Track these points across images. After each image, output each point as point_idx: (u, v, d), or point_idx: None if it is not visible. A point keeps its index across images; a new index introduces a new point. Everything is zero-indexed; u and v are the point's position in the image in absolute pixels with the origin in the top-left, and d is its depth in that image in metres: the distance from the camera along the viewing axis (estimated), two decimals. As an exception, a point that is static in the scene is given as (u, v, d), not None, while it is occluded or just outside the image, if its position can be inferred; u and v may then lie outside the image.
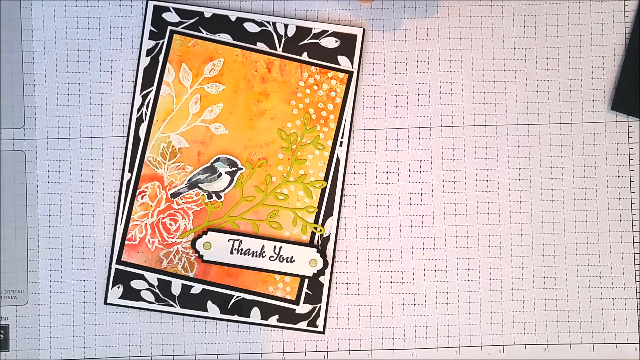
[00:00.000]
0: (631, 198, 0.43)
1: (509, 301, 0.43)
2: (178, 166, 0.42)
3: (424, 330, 0.42)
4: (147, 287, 0.42)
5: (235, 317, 0.42)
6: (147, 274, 0.42)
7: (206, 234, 0.42)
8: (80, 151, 0.43)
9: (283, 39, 0.42)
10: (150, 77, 0.42)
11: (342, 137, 0.42)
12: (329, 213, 0.42)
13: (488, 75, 0.43)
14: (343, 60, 0.42)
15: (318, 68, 0.42)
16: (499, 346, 0.42)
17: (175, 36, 0.42)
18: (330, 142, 0.42)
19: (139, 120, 0.42)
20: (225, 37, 0.42)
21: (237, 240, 0.42)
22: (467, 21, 0.43)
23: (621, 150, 0.43)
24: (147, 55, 0.42)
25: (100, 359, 0.42)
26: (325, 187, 0.42)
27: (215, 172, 0.42)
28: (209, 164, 0.42)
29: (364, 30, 0.42)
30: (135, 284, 0.42)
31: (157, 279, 0.42)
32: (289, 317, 0.42)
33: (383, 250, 0.43)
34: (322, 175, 0.42)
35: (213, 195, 0.42)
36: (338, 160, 0.42)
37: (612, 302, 0.43)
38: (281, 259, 0.42)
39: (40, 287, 0.42)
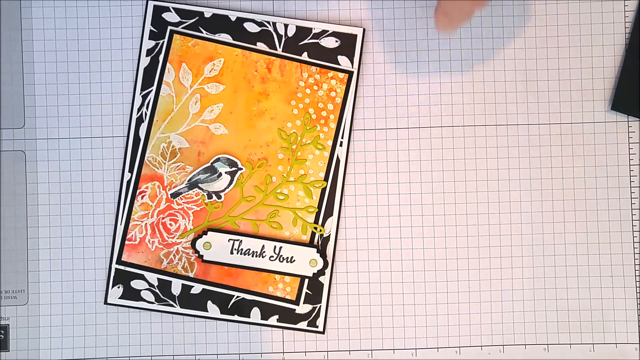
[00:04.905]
0: (631, 198, 0.43)
1: (509, 301, 0.43)
2: (178, 166, 0.42)
3: (424, 330, 0.42)
4: (147, 287, 0.42)
5: (235, 317, 0.42)
6: (147, 274, 0.42)
7: (206, 234, 0.42)
8: (80, 151, 0.43)
9: (283, 39, 0.42)
10: (150, 77, 0.42)
11: (342, 137, 0.42)
12: (329, 213, 0.42)
13: (488, 75, 0.43)
14: (343, 60, 0.42)
15: (318, 68, 0.42)
16: (499, 346, 0.42)
17: (175, 36, 0.42)
18: (330, 142, 0.42)
19: (139, 120, 0.42)
20: (225, 37, 0.42)
21: (237, 240, 0.42)
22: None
23: (621, 150, 0.43)
24: (147, 55, 0.42)
25: (100, 359, 0.42)
26: (325, 187, 0.42)
27: (215, 172, 0.42)
28: (209, 164, 0.42)
29: (364, 30, 0.42)
30: (135, 284, 0.42)
31: (157, 279, 0.42)
32: (289, 317, 0.42)
33: (383, 250, 0.43)
34: (322, 175, 0.42)
35: (213, 195, 0.42)
36: (338, 160, 0.42)
37: (612, 302, 0.43)
38: (281, 259, 0.42)
39: (40, 287, 0.42)
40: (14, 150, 0.43)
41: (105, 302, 0.42)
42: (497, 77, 0.43)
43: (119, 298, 0.42)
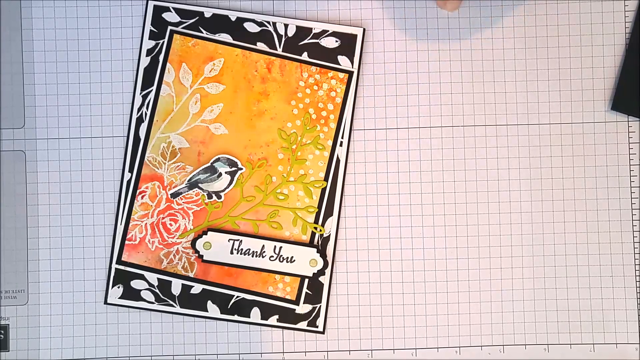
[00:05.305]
0: (631, 198, 0.43)
1: (509, 301, 0.42)
2: (178, 166, 0.42)
3: (424, 330, 0.42)
4: (147, 287, 0.42)
5: (235, 317, 0.42)
6: (147, 274, 0.42)
7: (206, 234, 0.42)
8: (80, 151, 0.43)
9: (283, 39, 0.42)
10: (150, 77, 0.42)
11: (342, 137, 0.42)
12: (329, 213, 0.42)
13: (488, 75, 0.43)
14: (343, 60, 0.42)
15: (318, 68, 0.42)
16: (499, 346, 0.42)
17: (175, 36, 0.42)
18: (330, 142, 0.42)
19: (139, 120, 0.42)
20: (225, 37, 0.42)
21: (237, 240, 0.42)
22: (467, 22, 0.43)
23: (621, 150, 0.43)
24: (147, 55, 0.42)
25: (100, 359, 0.42)
26: (325, 187, 0.42)
27: (215, 172, 0.42)
28: (209, 164, 0.42)
29: (364, 30, 0.42)
30: (135, 284, 0.42)
31: (157, 279, 0.42)
32: (289, 317, 0.42)
33: (383, 250, 0.43)
34: (322, 175, 0.42)
35: (213, 195, 0.42)
36: (338, 160, 0.42)
37: (613, 302, 0.42)
38: (281, 259, 0.42)
39: (40, 287, 0.42)
40: (14, 150, 0.43)
41: (105, 302, 0.42)
42: (497, 77, 0.43)
43: (119, 298, 0.42)
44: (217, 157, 0.42)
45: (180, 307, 0.42)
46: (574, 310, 0.43)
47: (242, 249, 0.42)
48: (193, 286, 0.42)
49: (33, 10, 0.43)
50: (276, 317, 0.42)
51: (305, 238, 0.42)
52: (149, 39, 0.42)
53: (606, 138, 0.43)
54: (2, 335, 0.42)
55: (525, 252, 0.43)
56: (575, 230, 0.43)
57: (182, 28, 0.42)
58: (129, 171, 0.42)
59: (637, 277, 0.43)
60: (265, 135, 0.42)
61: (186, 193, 0.42)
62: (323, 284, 0.42)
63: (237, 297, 0.42)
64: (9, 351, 0.42)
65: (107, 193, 0.43)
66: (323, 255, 0.42)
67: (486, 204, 0.43)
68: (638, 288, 0.43)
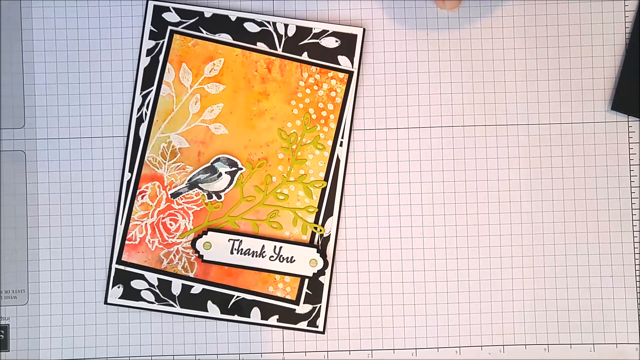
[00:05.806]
0: (631, 198, 0.43)
1: (509, 301, 0.42)
2: (178, 166, 0.42)
3: (424, 330, 0.42)
4: (147, 287, 0.42)
5: (235, 317, 0.42)
6: (147, 274, 0.42)
7: (206, 234, 0.42)
8: (80, 151, 0.43)
9: (283, 39, 0.42)
10: (150, 77, 0.42)
11: (342, 137, 0.42)
12: (329, 213, 0.42)
13: (488, 75, 0.43)
14: (343, 60, 0.42)
15: (318, 68, 0.42)
16: (499, 346, 0.42)
17: (175, 36, 0.42)
18: (330, 142, 0.42)
19: (139, 120, 0.42)
20: (225, 37, 0.42)
21: (237, 240, 0.42)
22: (467, 22, 0.43)
23: (621, 150, 0.43)
24: (147, 55, 0.42)
25: (100, 359, 0.42)
26: (325, 187, 0.42)
27: (215, 172, 0.42)
28: (209, 164, 0.42)
29: (364, 30, 0.42)
30: (136, 284, 0.42)
31: (157, 279, 0.42)
32: (289, 317, 0.42)
33: (383, 250, 0.43)
34: (322, 175, 0.42)
35: (213, 195, 0.42)
36: (338, 160, 0.42)
37: (613, 302, 0.42)
38: (281, 259, 0.42)
39: (40, 287, 0.42)
40: (14, 150, 0.43)
41: (105, 302, 0.42)
42: (497, 77, 0.43)
43: (119, 298, 0.42)
44: (217, 157, 0.42)
45: (180, 307, 0.42)
46: (574, 310, 0.43)
47: (242, 249, 0.42)
48: (193, 286, 0.42)
49: (33, 10, 0.43)
50: (276, 317, 0.42)
51: (305, 238, 0.42)
52: (149, 39, 0.42)
53: (606, 138, 0.43)
54: (2, 335, 0.42)
55: (525, 252, 0.43)
56: (575, 230, 0.43)
57: (182, 28, 0.42)
58: (129, 171, 0.42)
59: (637, 277, 0.43)
60: (265, 135, 0.42)
61: (186, 193, 0.42)
62: (323, 284, 0.42)
63: (237, 297, 0.42)
64: (9, 351, 0.42)
65: (107, 193, 0.43)
66: (323, 255, 0.42)
67: (486, 204, 0.43)
68: (638, 288, 0.43)
